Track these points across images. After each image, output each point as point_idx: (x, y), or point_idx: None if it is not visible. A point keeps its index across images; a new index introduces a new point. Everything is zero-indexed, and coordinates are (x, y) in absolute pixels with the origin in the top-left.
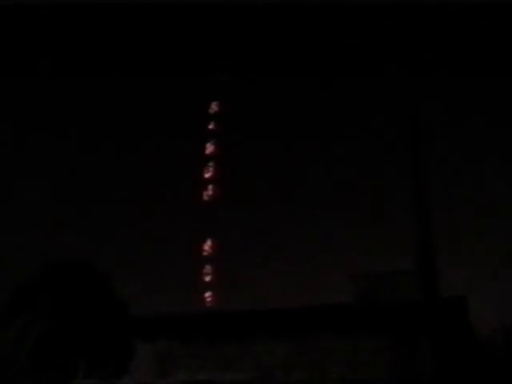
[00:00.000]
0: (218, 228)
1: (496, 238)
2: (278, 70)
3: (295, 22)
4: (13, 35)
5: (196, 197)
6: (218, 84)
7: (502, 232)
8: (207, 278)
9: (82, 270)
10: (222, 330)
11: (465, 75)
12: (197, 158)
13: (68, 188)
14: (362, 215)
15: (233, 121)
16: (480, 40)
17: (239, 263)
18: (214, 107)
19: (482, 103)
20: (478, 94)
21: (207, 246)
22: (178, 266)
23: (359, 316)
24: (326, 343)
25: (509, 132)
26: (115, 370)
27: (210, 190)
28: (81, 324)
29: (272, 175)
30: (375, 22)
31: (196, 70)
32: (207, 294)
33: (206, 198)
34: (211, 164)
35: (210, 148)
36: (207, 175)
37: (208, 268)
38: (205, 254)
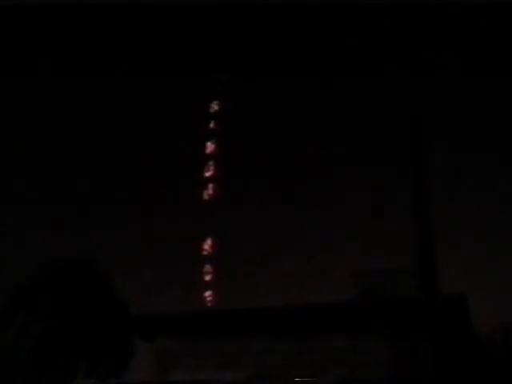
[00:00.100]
0: (218, 227)
1: (496, 237)
2: (277, 69)
3: (295, 22)
4: (13, 35)
5: (196, 196)
6: (217, 84)
7: (502, 232)
8: (207, 278)
9: (82, 269)
10: (222, 328)
11: (465, 75)
12: (197, 158)
13: (68, 188)
14: (362, 215)
15: (233, 120)
16: (480, 40)
17: (239, 262)
18: (214, 106)
19: (481, 103)
20: (478, 94)
21: (207, 245)
22: (177, 265)
23: (359, 315)
24: (326, 343)
25: (509, 132)
26: (115, 368)
27: (210, 190)
28: (81, 323)
29: (272, 175)
30: (375, 22)
31: (196, 69)
32: (207, 294)
33: (206, 197)
34: (211, 163)
35: (210, 147)
36: (207, 174)
37: (208, 267)
38: (205, 253)
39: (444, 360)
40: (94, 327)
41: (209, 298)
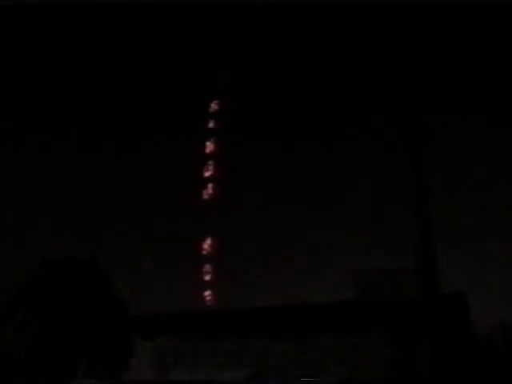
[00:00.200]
0: (218, 227)
1: (496, 237)
2: (278, 69)
3: (295, 22)
4: (13, 35)
5: (196, 196)
6: (217, 84)
7: (502, 232)
8: (207, 277)
9: (82, 269)
10: (222, 328)
11: (465, 75)
12: (197, 157)
13: (68, 188)
14: (362, 215)
15: (233, 120)
16: (480, 40)
17: (239, 262)
18: (213, 106)
19: (481, 103)
20: (478, 94)
21: (207, 244)
22: (177, 264)
23: (359, 315)
24: (326, 343)
25: (509, 132)
26: (115, 368)
27: (209, 189)
28: (80, 323)
29: (272, 175)
30: (375, 22)
31: (196, 69)
32: (207, 293)
33: (205, 196)
34: (211, 163)
35: (209, 147)
36: (207, 174)
37: (208, 267)
38: (204, 253)
39: (444, 360)
40: (93, 327)
41: (209, 298)
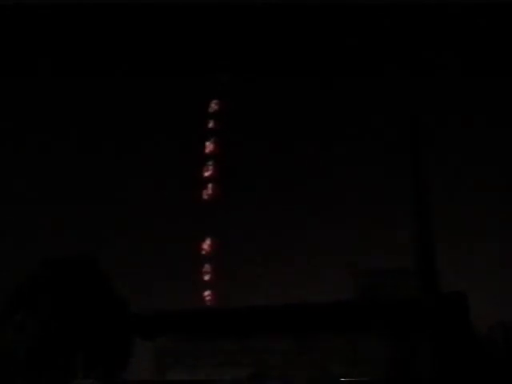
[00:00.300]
0: (218, 227)
1: (496, 237)
2: (278, 69)
3: (295, 22)
4: (13, 35)
5: (195, 196)
6: (217, 84)
7: (502, 232)
8: (206, 277)
9: (82, 269)
10: (222, 328)
11: (465, 75)
12: (197, 158)
13: (68, 188)
14: (362, 215)
15: (232, 120)
16: (480, 40)
17: (238, 262)
18: (213, 106)
19: (481, 103)
20: (478, 94)
21: (206, 244)
22: (177, 265)
23: (359, 315)
24: (326, 343)
25: (509, 132)
26: (115, 368)
27: (209, 189)
28: (80, 323)
29: (272, 175)
30: (375, 22)
31: (196, 69)
32: (206, 293)
33: (205, 196)
34: (211, 163)
35: (209, 147)
36: (207, 174)
37: (208, 267)
38: (204, 253)
39: (444, 360)
40: (93, 327)
41: (208, 298)
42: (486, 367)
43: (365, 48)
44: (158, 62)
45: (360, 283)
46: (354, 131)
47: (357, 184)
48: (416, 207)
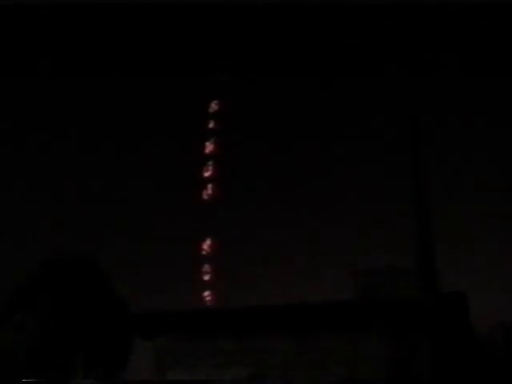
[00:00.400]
0: (218, 227)
1: (496, 237)
2: (278, 69)
3: (295, 22)
4: (13, 35)
5: (195, 196)
6: (217, 84)
7: (502, 232)
8: (206, 277)
9: (82, 269)
10: (222, 328)
11: (465, 75)
12: (197, 158)
13: (68, 188)
14: (362, 215)
15: (232, 120)
16: (480, 40)
17: (238, 262)
18: (213, 106)
19: (481, 103)
20: (478, 94)
21: (206, 245)
22: (177, 265)
23: (359, 315)
24: (326, 343)
25: (509, 132)
26: (115, 367)
27: (209, 189)
28: (80, 323)
29: (272, 175)
30: (375, 22)
31: (196, 69)
32: (206, 293)
33: (205, 197)
34: (211, 163)
35: (209, 147)
36: (207, 174)
37: (207, 267)
38: (204, 253)
39: (444, 360)
40: (93, 327)
41: (208, 298)
42: (485, 367)
43: (365, 48)
44: (158, 62)
45: (360, 283)
46: (354, 131)
47: (357, 184)
48: (416, 207)
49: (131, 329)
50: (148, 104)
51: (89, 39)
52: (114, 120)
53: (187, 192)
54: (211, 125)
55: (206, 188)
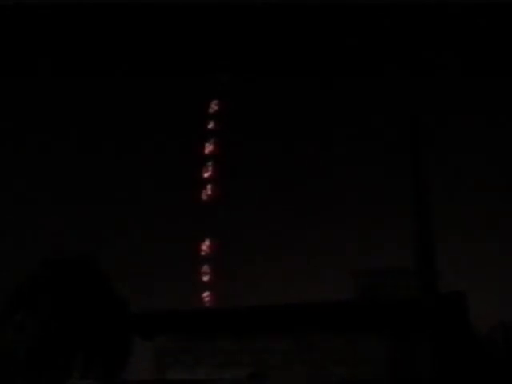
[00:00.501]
0: (217, 228)
1: (496, 237)
2: (278, 69)
3: (295, 22)
4: (13, 35)
5: (195, 196)
6: (217, 84)
7: (502, 232)
8: (205, 278)
9: (82, 269)
10: (221, 328)
11: (465, 75)
12: (197, 158)
13: (68, 188)
14: (362, 215)
15: (232, 120)
16: (480, 40)
17: (238, 263)
18: (213, 106)
19: (482, 103)
20: (478, 94)
21: (205, 245)
22: (177, 265)
23: (359, 315)
24: (326, 343)
25: (509, 132)
26: (115, 367)
27: (208, 190)
28: (80, 323)
29: (272, 175)
30: (375, 22)
31: (196, 70)
32: (205, 294)
33: (204, 197)
34: (210, 163)
35: (209, 147)
36: (206, 175)
37: (206, 268)
38: (203, 253)
39: (444, 360)
40: (94, 327)
41: (207, 299)
42: (486, 367)
43: (365, 48)
44: (158, 62)
45: (360, 283)
46: (354, 131)
47: (357, 184)
48: (416, 207)
49: (131, 329)
50: (148, 104)
51: (89, 39)
52: (114, 120)
53: (187, 192)
54: (211, 125)
55: (205, 188)
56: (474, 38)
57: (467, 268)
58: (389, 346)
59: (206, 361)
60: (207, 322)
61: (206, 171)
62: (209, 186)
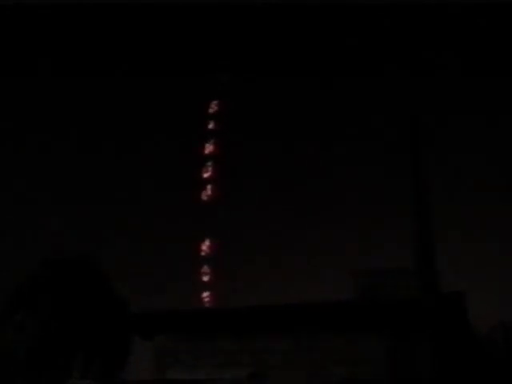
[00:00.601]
0: (217, 228)
1: (496, 237)
2: (277, 70)
3: (295, 22)
4: (13, 35)
5: (195, 197)
6: (218, 84)
7: (502, 232)
8: (205, 278)
9: (82, 269)
10: (221, 327)
11: (465, 75)
12: (197, 158)
13: (68, 188)
14: (362, 215)
15: (232, 120)
16: (480, 40)
17: (238, 263)
18: (213, 107)
19: (482, 103)
20: (478, 94)
21: (205, 245)
22: (177, 265)
23: (359, 315)
24: (326, 343)
25: (509, 132)
26: (114, 367)
27: (208, 190)
28: (80, 323)
29: (272, 175)
30: (375, 22)
31: (196, 69)
32: (205, 294)
33: (204, 197)
34: (210, 164)
35: (209, 148)
36: (206, 175)
37: (206, 268)
38: (203, 253)
39: (444, 359)
40: (93, 327)
41: (207, 299)
42: (486, 367)
43: (365, 48)
44: (158, 62)
45: (360, 283)
46: (354, 131)
47: (357, 184)
48: (416, 207)
49: (131, 329)
50: (148, 104)
51: (89, 39)
52: (114, 120)
53: (187, 192)
54: (211, 125)
55: (205, 188)
56: (474, 37)
57: (467, 268)
58: (389, 346)
59: (206, 361)
60: (207, 321)
61: (206, 171)
62: (209, 186)
